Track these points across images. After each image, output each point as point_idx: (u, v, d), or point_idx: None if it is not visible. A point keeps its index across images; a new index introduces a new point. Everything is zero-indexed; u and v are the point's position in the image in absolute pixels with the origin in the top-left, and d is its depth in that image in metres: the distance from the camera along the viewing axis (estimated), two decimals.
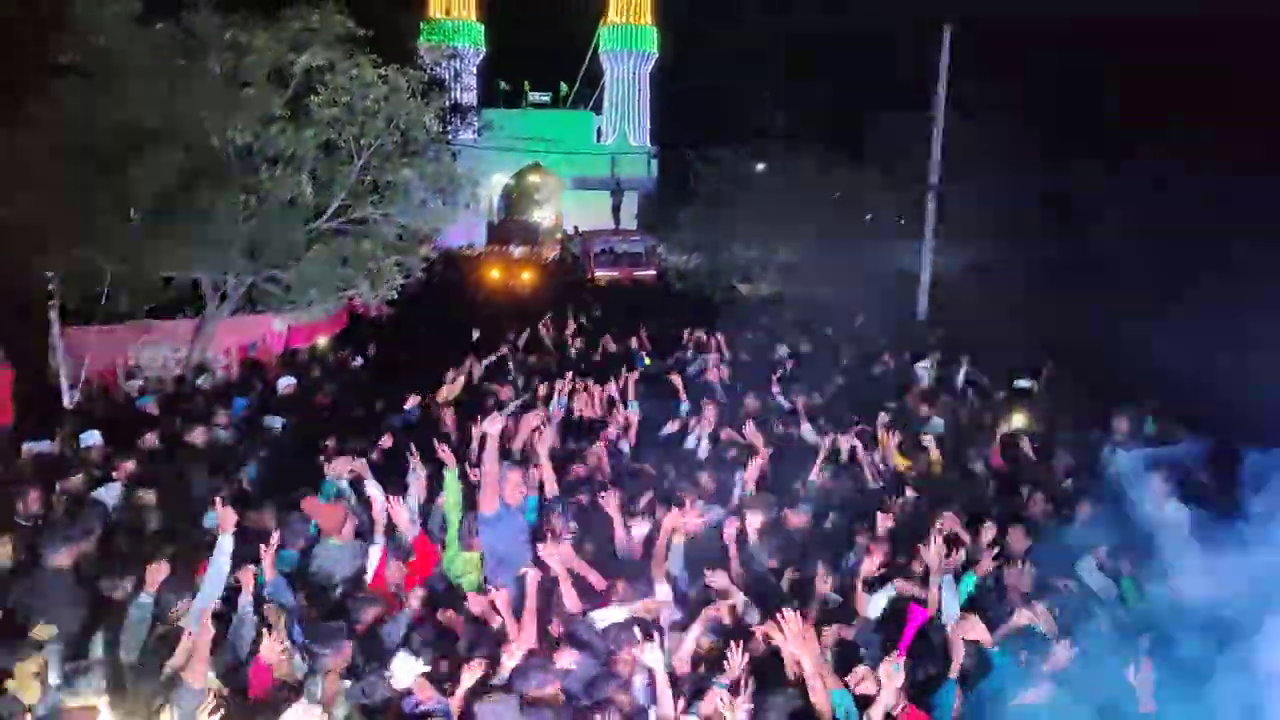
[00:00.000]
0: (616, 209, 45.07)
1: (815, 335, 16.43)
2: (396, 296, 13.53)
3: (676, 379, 10.54)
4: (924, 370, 12.97)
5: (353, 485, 7.09)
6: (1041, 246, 22.19)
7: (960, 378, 12.10)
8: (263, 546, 5.60)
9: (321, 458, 7.46)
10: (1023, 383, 12.03)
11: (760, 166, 28.68)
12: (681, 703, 4.69)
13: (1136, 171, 19.70)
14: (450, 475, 6.63)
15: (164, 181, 11.47)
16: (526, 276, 30.82)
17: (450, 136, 19.55)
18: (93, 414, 10.13)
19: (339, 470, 7.14)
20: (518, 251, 39.33)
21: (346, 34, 12.87)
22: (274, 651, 4.77)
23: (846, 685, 4.65)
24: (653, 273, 31.55)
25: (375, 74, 12.87)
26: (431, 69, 17.76)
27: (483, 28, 53.94)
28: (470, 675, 4.66)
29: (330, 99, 12.60)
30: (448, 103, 33.09)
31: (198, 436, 8.87)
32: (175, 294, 12.97)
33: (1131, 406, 9.55)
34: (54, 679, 4.57)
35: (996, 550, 6.23)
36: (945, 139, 20.31)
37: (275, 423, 9.58)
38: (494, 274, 31.05)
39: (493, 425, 6.41)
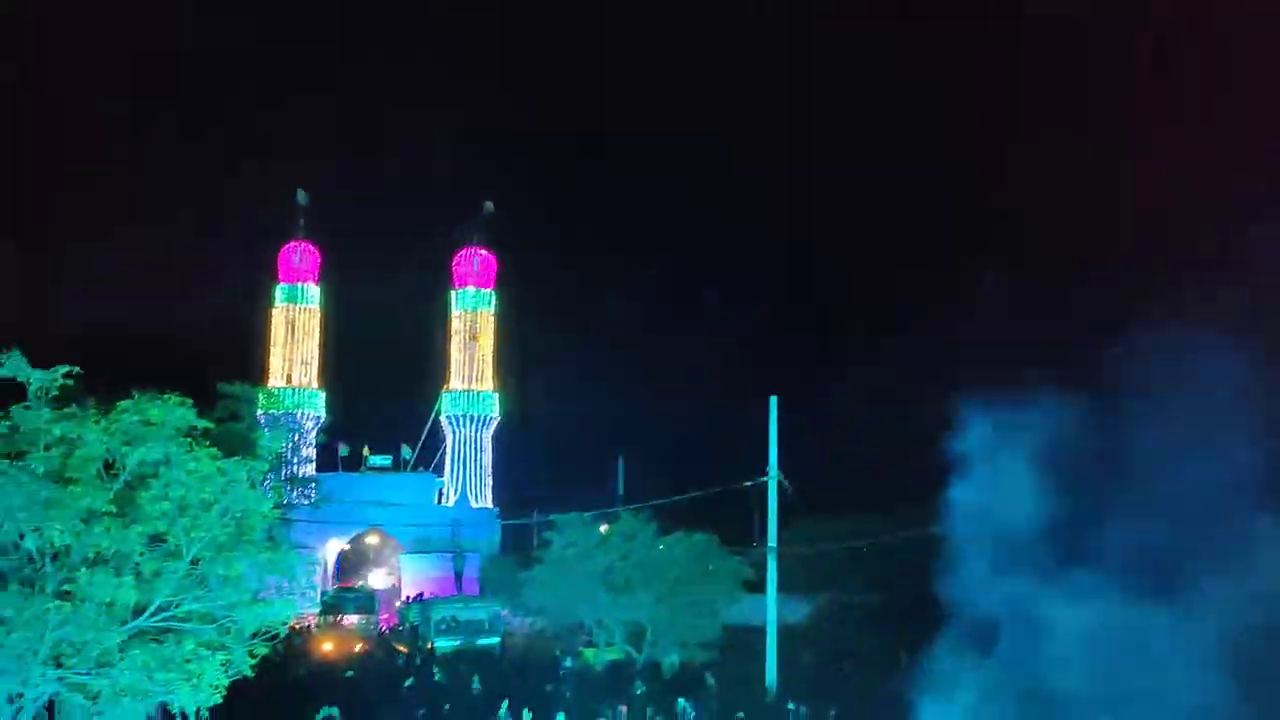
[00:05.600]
0: (459, 574, 44.08)
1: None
2: (220, 701, 12.39)
3: None
4: None
5: None
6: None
7: None
8: None
9: None
10: None
11: (603, 529, 28.48)
12: None
13: None
14: None
15: None
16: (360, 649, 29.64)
17: (285, 513, 19.21)
18: None
19: None
20: (352, 621, 37.67)
21: (185, 425, 12.79)
22: None
23: None
24: (496, 640, 30.73)
25: (215, 466, 12.58)
26: (270, 452, 17.42)
27: (322, 394, 54.44)
28: None
29: (163, 493, 12.26)
30: (286, 474, 34.01)
31: None
32: None
33: None
34: None
35: None
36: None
37: None
38: (326, 648, 29.97)
39: None
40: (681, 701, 15.81)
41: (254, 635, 13.08)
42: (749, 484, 21.19)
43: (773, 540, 20.97)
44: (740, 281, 70.49)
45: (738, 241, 79.14)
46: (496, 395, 55.72)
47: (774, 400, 21.05)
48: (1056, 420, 14.23)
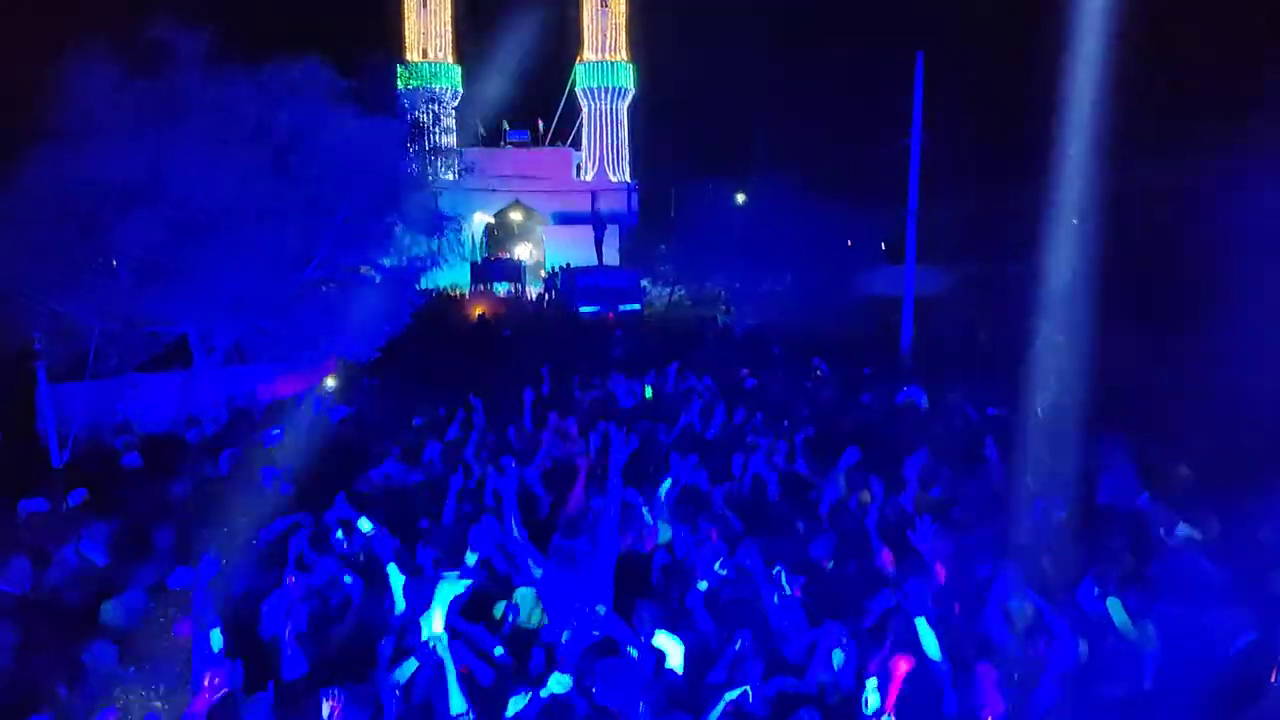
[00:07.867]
0: (599, 244, 43.72)
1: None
2: (383, 344, 13.47)
3: None
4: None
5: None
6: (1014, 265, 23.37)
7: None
8: None
9: None
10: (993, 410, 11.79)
11: (740, 198, 28.20)
12: None
13: None
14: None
15: (148, 238, 12.10)
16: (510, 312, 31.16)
17: (432, 179, 19.41)
18: (81, 473, 10.68)
19: None
20: (502, 289, 39.62)
21: (329, 87, 13.02)
22: None
23: None
24: (637, 306, 31.41)
25: (359, 124, 12.93)
26: (411, 114, 17.46)
27: (459, 69, 54.45)
28: None
29: (314, 152, 12.77)
30: (428, 146, 33.98)
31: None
32: (163, 349, 13.49)
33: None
34: None
35: None
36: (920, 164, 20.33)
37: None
38: (479, 312, 31.14)
39: None
40: (815, 359, 16.36)
41: (406, 288, 14.01)
42: (890, 145, 20.39)
43: (913, 203, 20.41)
44: None
45: None
46: (631, 67, 54.36)
47: (920, 56, 19.69)
48: None
